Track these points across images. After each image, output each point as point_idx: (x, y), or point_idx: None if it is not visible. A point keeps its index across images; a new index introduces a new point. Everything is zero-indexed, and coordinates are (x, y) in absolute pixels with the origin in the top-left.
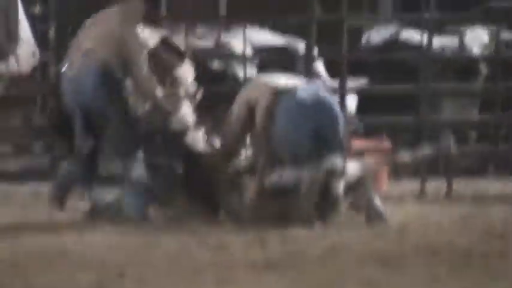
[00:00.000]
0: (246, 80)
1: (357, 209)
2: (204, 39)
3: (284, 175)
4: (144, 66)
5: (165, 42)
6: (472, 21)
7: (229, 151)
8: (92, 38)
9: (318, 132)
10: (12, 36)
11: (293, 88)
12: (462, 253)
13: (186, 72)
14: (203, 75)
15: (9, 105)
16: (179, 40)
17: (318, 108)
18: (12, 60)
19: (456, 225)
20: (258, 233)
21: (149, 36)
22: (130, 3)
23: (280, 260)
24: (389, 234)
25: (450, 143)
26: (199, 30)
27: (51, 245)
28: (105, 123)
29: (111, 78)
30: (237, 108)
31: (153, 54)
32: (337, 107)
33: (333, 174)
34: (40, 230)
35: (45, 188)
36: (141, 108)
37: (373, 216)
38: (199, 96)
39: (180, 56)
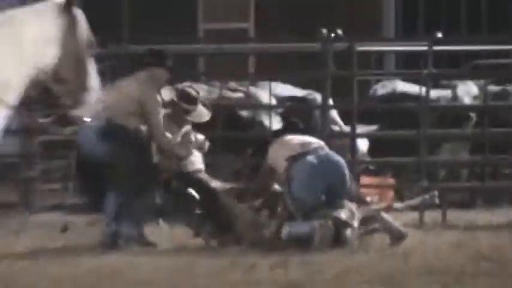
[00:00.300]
0: (271, 127)
1: (372, 234)
2: (235, 92)
3: (298, 226)
4: (160, 125)
5: (180, 92)
6: (463, 76)
7: (257, 193)
8: (111, 96)
9: (329, 190)
10: (83, 86)
11: (306, 153)
12: (456, 273)
13: (201, 114)
14: (234, 123)
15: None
16: (193, 88)
17: (328, 170)
18: (84, 108)
19: (450, 250)
20: (282, 256)
21: (168, 92)
22: (157, 70)
23: (301, 279)
24: (394, 257)
25: (435, 195)
26: (232, 84)
27: (105, 266)
28: (109, 172)
29: (115, 132)
30: (264, 163)
31: (170, 103)
32: (343, 166)
33: (342, 222)
34: (96, 252)
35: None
36: (158, 156)
37: (396, 235)
38: (206, 144)
39: (193, 100)
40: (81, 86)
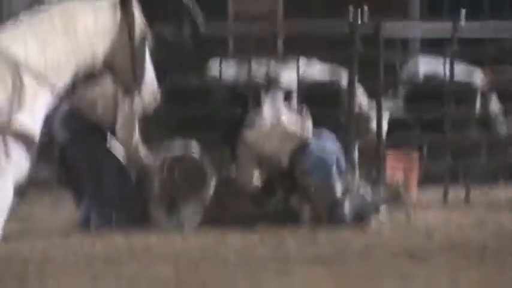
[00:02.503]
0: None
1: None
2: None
3: (357, 204)
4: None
5: None
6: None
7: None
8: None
9: (336, 170)
10: (136, 76)
11: (306, 144)
12: (478, 249)
13: None
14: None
15: None
16: None
17: (330, 149)
18: (137, 99)
19: (473, 226)
20: (310, 232)
21: None
22: None
23: (328, 254)
24: (418, 233)
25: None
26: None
27: (138, 242)
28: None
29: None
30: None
31: None
32: (335, 144)
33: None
34: (127, 230)
35: None
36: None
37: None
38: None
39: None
40: (134, 75)
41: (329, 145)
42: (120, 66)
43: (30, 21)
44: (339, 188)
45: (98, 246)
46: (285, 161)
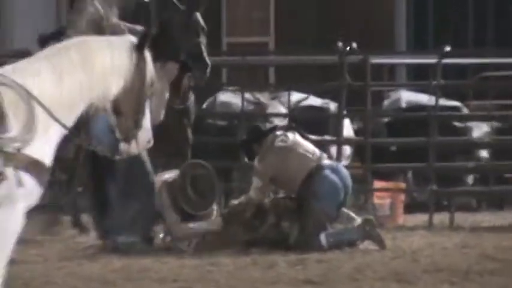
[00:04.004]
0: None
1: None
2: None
3: (338, 234)
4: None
5: None
6: (471, 87)
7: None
8: None
9: (342, 200)
10: (137, 123)
11: (321, 166)
12: (462, 272)
13: None
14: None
15: None
16: None
17: (343, 182)
18: (133, 142)
19: (457, 250)
20: (300, 254)
21: None
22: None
23: (318, 277)
24: (404, 256)
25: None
26: (253, 96)
27: (133, 264)
28: None
29: None
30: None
31: None
32: (348, 177)
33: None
34: (125, 252)
35: None
36: None
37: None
38: None
39: None
40: (135, 123)
41: (343, 171)
42: (125, 111)
43: (47, 55)
44: (341, 215)
45: (95, 270)
46: (299, 182)
